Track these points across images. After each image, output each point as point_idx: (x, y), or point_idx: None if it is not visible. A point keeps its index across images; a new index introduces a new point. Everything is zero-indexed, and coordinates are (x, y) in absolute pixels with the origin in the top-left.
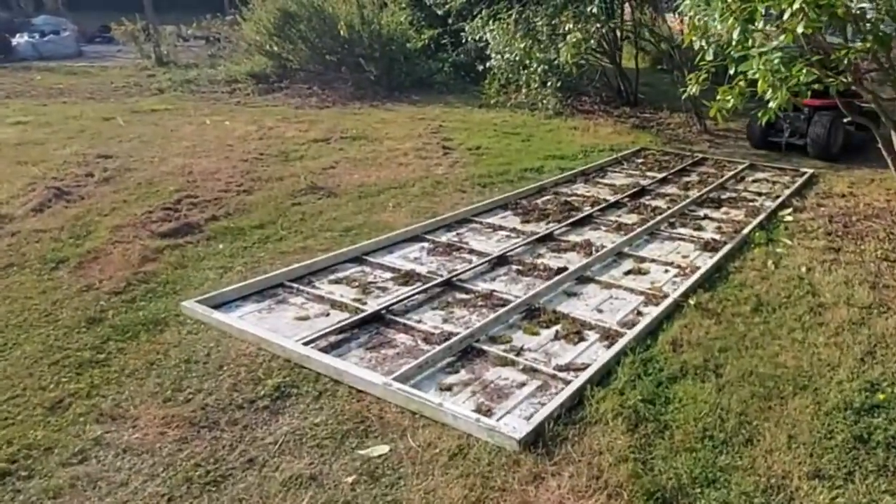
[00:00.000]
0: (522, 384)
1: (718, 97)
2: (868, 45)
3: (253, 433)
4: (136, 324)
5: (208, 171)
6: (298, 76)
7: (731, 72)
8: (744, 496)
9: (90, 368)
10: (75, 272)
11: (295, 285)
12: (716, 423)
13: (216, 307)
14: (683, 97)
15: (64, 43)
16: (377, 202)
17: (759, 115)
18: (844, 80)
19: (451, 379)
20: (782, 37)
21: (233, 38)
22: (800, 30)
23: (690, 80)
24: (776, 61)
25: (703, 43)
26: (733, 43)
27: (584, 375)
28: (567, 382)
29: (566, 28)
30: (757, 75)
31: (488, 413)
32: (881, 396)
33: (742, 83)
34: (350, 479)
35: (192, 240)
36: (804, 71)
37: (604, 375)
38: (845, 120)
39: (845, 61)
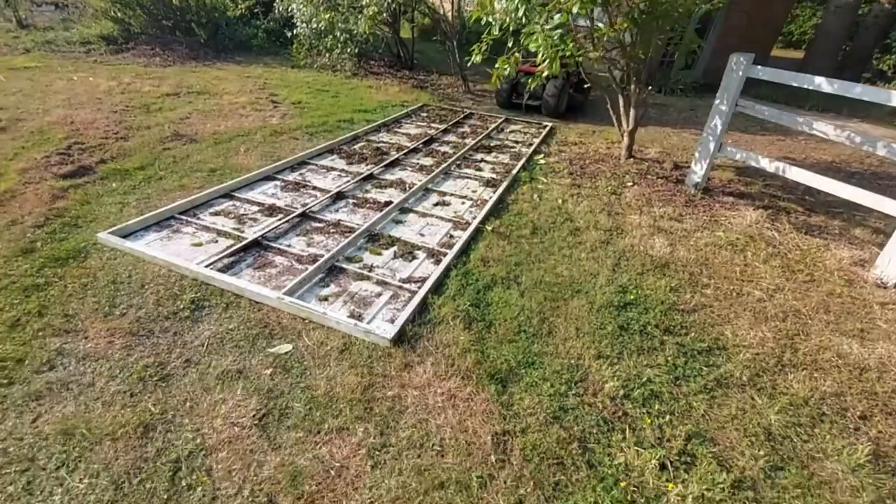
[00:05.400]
0: (379, 294)
1: (497, 66)
2: (623, 24)
3: (183, 338)
4: (64, 252)
5: (87, 122)
6: (141, 38)
7: (510, 44)
8: (556, 374)
9: (35, 291)
10: None
11: (184, 217)
12: (525, 320)
13: (125, 237)
14: (469, 64)
15: None
16: (231, 147)
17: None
18: (595, 53)
19: (325, 291)
20: (558, 16)
21: (79, 3)
22: (575, 10)
23: (473, 50)
24: (555, 36)
25: (490, 19)
26: (521, 19)
27: (425, 288)
28: (412, 293)
29: (364, 2)
30: (539, 48)
31: (360, 318)
32: (631, 297)
33: (517, 54)
34: (269, 372)
35: (89, 180)
36: (571, 45)
37: (438, 286)
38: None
39: (604, 38)
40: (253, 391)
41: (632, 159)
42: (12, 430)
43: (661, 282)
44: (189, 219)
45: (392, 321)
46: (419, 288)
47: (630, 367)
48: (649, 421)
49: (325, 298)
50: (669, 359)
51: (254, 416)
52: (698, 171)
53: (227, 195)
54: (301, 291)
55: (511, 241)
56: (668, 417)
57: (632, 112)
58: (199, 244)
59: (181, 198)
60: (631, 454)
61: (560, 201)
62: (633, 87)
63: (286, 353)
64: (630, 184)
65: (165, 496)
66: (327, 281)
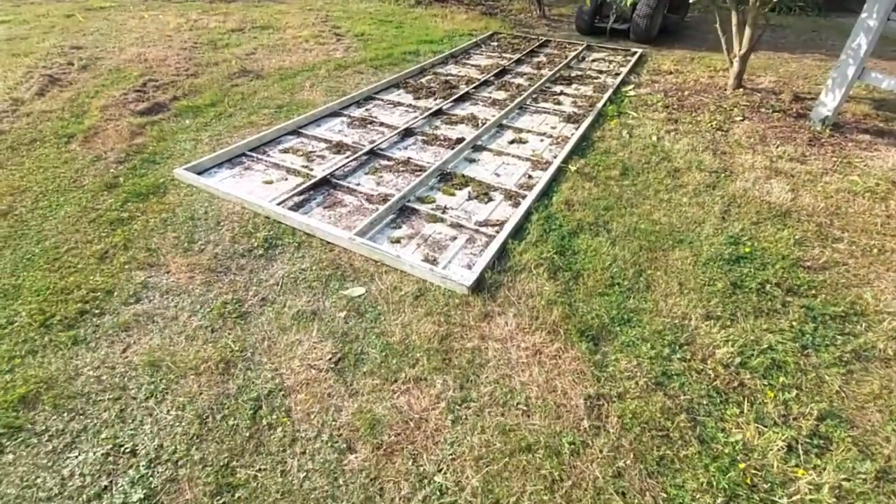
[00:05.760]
0: (454, 238)
1: None
2: None
3: (258, 276)
4: (144, 188)
5: (159, 59)
6: None
7: None
8: (656, 334)
9: (120, 225)
10: (84, 145)
11: (254, 154)
12: (618, 272)
13: (200, 173)
14: None
15: None
16: (296, 83)
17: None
18: None
19: (397, 233)
20: None
21: None
22: None
23: None
24: None
25: None
26: None
27: (504, 232)
28: (490, 237)
29: None
30: None
31: (434, 262)
32: (745, 249)
33: None
34: (342, 315)
35: (163, 117)
36: None
37: (517, 231)
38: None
39: None
40: (328, 334)
41: (741, 90)
42: (105, 359)
43: (782, 233)
44: (259, 156)
45: (469, 267)
46: (497, 232)
47: (746, 330)
48: (772, 395)
49: (398, 241)
50: (794, 324)
51: (330, 359)
52: (829, 102)
53: (295, 132)
54: (372, 233)
55: (598, 183)
56: (794, 392)
57: (746, 32)
58: (270, 182)
59: (250, 135)
60: (750, 432)
61: (654, 138)
62: (751, 0)
63: (359, 296)
64: (739, 118)
65: (247, 434)
66: (399, 222)
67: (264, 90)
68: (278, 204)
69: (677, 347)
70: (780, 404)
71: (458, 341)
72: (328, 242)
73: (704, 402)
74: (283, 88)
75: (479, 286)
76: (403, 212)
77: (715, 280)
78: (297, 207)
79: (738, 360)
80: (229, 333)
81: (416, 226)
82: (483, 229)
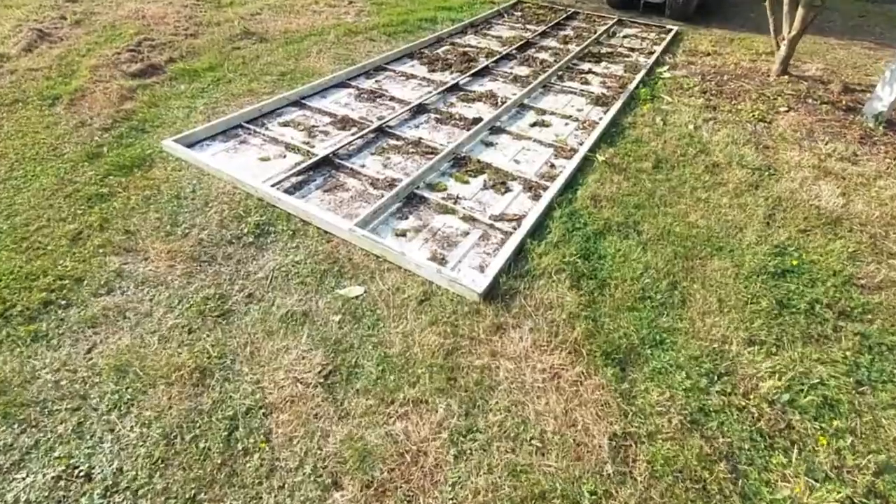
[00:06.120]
0: (466, 233)
1: None
2: None
3: (246, 267)
4: (129, 160)
5: (158, 16)
6: None
7: None
8: (693, 360)
9: (98, 202)
10: (69, 108)
11: (251, 127)
12: (651, 283)
13: (191, 146)
14: None
15: None
16: (302, 48)
17: None
18: None
19: (403, 224)
20: None
21: None
22: None
23: None
24: None
25: None
26: None
27: (522, 229)
28: (506, 234)
29: None
30: None
31: (443, 261)
32: (792, 262)
33: None
34: (337, 319)
35: (157, 80)
36: None
37: (537, 228)
38: None
39: None
40: (319, 340)
41: (786, 76)
42: (66, 361)
43: (833, 245)
44: (257, 129)
45: (482, 269)
46: (515, 229)
47: (794, 360)
48: (825, 441)
49: (403, 234)
50: (848, 354)
51: (319, 371)
52: (885, 97)
53: (298, 103)
54: (375, 223)
55: (629, 177)
56: (849, 439)
57: (799, 13)
58: (267, 159)
59: (249, 104)
60: (800, 487)
61: (691, 127)
62: None
63: (357, 296)
64: (784, 108)
65: (219, 460)
66: (405, 212)
67: (268, 55)
68: (273, 185)
69: (716, 378)
70: (833, 453)
71: (465, 357)
72: (326, 232)
73: (747, 448)
74: (288, 54)
75: (491, 293)
76: (411, 200)
77: (759, 297)
78: (294, 189)
79: (785, 396)
80: (208, 335)
81: (425, 217)
82: (499, 224)
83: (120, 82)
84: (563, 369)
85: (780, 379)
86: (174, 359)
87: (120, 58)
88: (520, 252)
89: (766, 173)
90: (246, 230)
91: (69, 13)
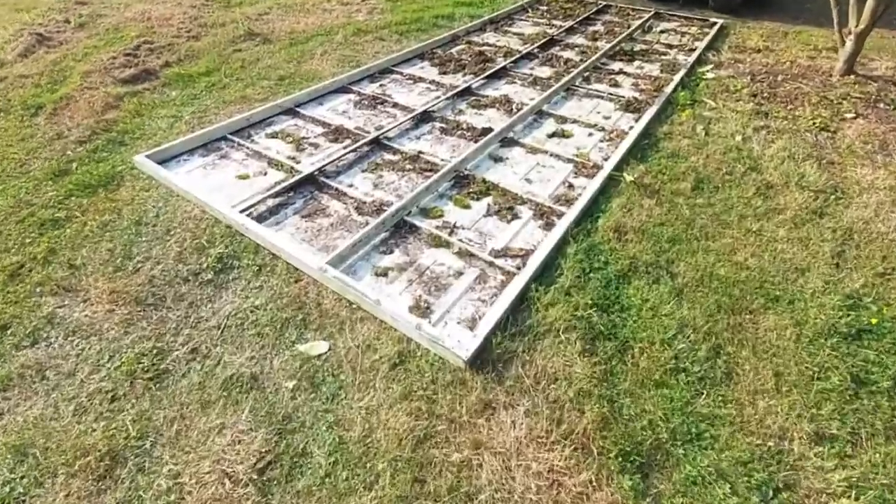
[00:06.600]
0: (459, 273)
1: None
2: None
3: (197, 312)
4: (96, 178)
5: (164, 17)
6: None
7: None
8: (740, 465)
9: (51, 229)
10: (50, 119)
11: (236, 139)
12: (686, 348)
13: (166, 161)
14: None
15: None
16: (306, 49)
17: None
18: None
19: (385, 261)
20: None
21: None
22: None
23: None
24: None
25: None
26: None
27: (527, 270)
28: (508, 275)
29: None
30: None
31: (427, 310)
32: (872, 320)
33: None
34: (290, 385)
35: (148, 86)
36: None
37: (545, 268)
38: None
39: None
40: (264, 416)
41: (852, 76)
42: None
43: None
44: (241, 141)
45: (472, 324)
46: (519, 269)
47: (875, 465)
48: None
49: (385, 273)
50: None
51: (255, 462)
52: None
53: (291, 111)
54: (353, 259)
55: (662, 201)
56: None
57: (868, 4)
58: (246, 176)
59: (240, 112)
60: None
61: (739, 138)
62: None
63: (319, 355)
64: (851, 115)
65: None
66: (391, 244)
67: (269, 57)
68: (246, 209)
69: (772, 494)
70: None
71: (440, 448)
72: (295, 269)
73: None
74: (290, 56)
75: (481, 356)
76: (399, 229)
77: (827, 370)
78: (269, 214)
79: None
80: (133, 406)
81: (413, 252)
82: (500, 262)
83: (108, 90)
84: (565, 473)
85: (858, 499)
86: (84, 439)
87: (114, 62)
88: (522, 300)
89: (832, 196)
90: (206, 264)
91: (74, 16)
